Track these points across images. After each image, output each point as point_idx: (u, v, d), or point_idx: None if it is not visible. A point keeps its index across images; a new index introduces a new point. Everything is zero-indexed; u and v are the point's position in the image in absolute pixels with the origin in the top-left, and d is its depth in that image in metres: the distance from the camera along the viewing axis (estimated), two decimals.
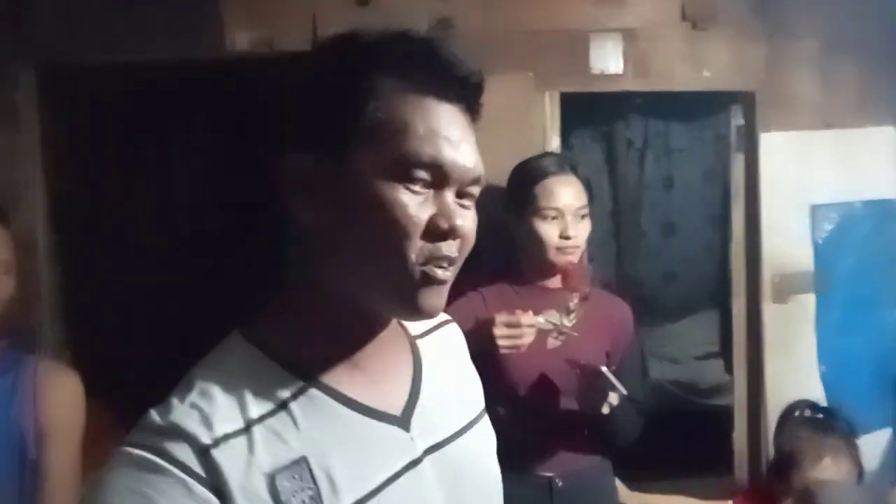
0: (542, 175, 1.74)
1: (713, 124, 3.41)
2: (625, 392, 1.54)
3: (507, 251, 1.82)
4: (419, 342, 0.89)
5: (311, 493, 0.71)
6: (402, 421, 0.80)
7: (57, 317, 1.97)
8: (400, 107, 0.74)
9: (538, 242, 1.71)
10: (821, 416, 1.84)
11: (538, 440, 1.65)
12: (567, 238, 1.70)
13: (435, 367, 0.88)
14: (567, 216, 1.70)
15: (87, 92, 2.19)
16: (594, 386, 1.57)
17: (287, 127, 0.79)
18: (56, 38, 1.96)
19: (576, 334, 1.66)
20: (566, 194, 1.71)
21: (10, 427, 1.37)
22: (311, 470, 0.72)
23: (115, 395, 1.97)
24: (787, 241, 2.07)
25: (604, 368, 1.55)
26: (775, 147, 2.07)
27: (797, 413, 1.87)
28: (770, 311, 2.07)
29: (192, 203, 3.04)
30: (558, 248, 1.70)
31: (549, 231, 1.70)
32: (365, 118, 0.73)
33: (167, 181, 3.05)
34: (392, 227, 0.72)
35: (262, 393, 0.74)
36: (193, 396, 0.72)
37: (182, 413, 0.70)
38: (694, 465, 2.33)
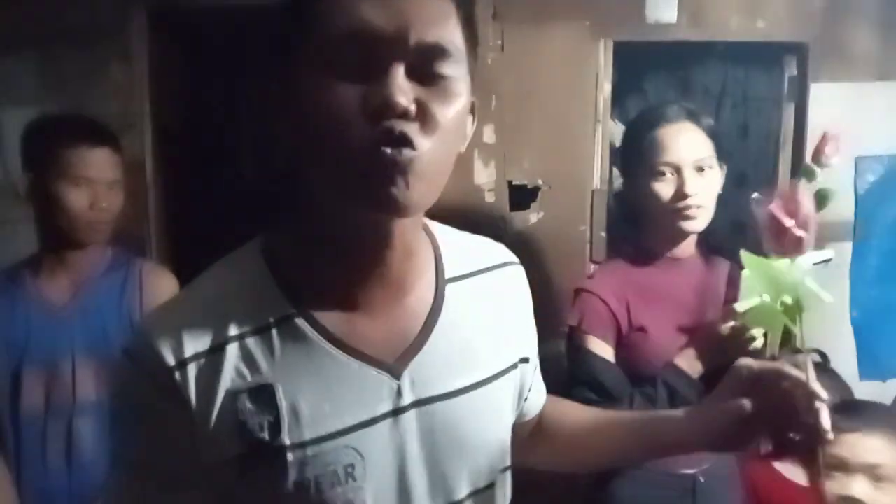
0: (651, 126, 1.57)
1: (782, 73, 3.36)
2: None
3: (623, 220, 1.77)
4: (451, 286, 0.83)
5: (271, 418, 0.71)
6: (394, 368, 0.76)
7: (160, 230, 2.25)
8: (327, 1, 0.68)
9: (652, 204, 1.55)
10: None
11: None
12: (684, 196, 1.50)
13: (460, 315, 0.82)
14: (684, 171, 1.51)
15: (190, 32, 2.45)
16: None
17: (268, 58, 0.77)
18: None
19: None
20: (680, 145, 1.53)
21: (121, 314, 1.67)
22: (276, 397, 0.71)
23: None
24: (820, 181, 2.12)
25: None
26: (825, 98, 2.11)
27: None
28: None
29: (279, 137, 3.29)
30: (675, 211, 1.52)
31: (662, 190, 1.53)
32: (306, 26, 0.70)
33: (260, 115, 3.31)
34: (325, 117, 0.67)
35: (249, 311, 0.74)
36: (182, 305, 0.77)
37: (163, 329, 0.73)
38: None
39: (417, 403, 0.76)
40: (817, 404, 0.82)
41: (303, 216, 0.77)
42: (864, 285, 2.10)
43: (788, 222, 0.96)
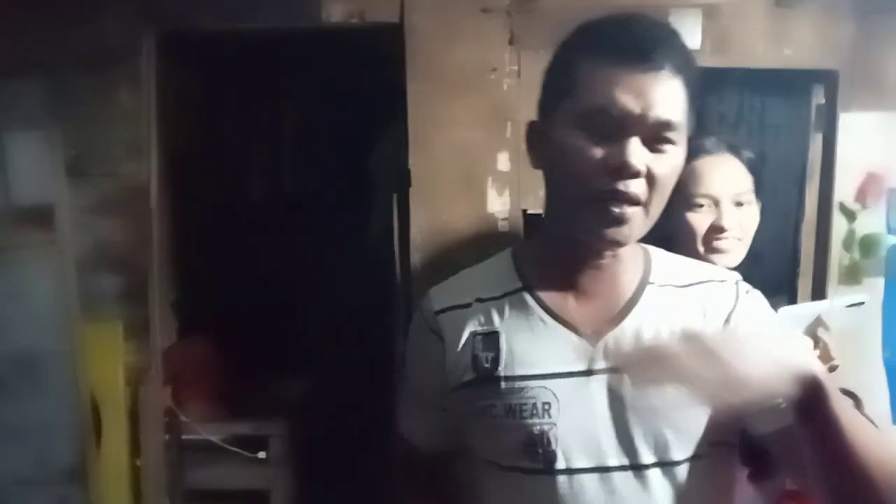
0: (690, 156, 1.55)
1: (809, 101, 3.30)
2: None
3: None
4: (650, 288, 1.06)
5: (493, 354, 1.03)
6: (591, 339, 1.02)
7: (164, 257, 2.19)
8: (590, 78, 0.93)
9: (686, 235, 1.51)
10: None
11: None
12: (721, 230, 1.48)
13: (655, 312, 1.03)
14: (723, 203, 1.50)
15: (200, 58, 2.41)
16: None
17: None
18: (175, 7, 2.13)
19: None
20: (720, 177, 1.51)
21: None
22: (499, 341, 1.03)
23: (214, 334, 2.20)
24: (859, 223, 2.04)
25: None
26: (855, 128, 2.03)
27: None
28: (836, 293, 2.06)
29: (292, 164, 3.24)
30: (708, 244, 1.50)
31: (697, 221, 1.50)
32: (566, 92, 0.96)
33: (273, 142, 3.27)
34: (570, 165, 0.94)
35: (492, 285, 1.09)
36: (452, 279, 1.16)
37: (437, 289, 1.15)
38: None
39: (611, 370, 0.99)
40: None
41: (542, 236, 1.12)
42: None
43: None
